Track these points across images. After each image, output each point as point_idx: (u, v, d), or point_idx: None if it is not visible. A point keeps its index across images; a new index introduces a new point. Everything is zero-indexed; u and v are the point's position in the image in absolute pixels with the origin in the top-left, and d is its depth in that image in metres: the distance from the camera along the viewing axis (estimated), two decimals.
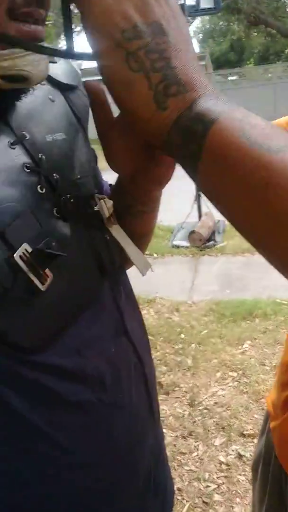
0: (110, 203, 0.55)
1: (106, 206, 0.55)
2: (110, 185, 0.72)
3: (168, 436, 1.84)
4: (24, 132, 0.47)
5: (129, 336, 0.55)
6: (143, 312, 2.90)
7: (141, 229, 0.62)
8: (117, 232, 0.57)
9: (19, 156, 0.46)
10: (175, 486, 1.59)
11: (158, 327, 2.70)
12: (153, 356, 2.09)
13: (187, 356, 2.41)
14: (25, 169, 0.46)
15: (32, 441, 0.45)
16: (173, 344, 2.52)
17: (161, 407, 2.01)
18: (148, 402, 0.58)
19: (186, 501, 1.55)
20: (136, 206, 0.59)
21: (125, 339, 0.55)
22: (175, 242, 4.30)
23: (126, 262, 0.62)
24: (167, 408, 2.02)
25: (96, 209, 0.53)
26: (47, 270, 0.43)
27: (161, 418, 1.92)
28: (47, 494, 0.48)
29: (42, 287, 0.43)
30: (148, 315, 2.89)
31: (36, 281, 0.42)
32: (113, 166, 0.54)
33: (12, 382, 0.43)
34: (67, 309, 0.47)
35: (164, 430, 1.84)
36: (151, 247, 4.10)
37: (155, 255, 3.99)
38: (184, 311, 2.94)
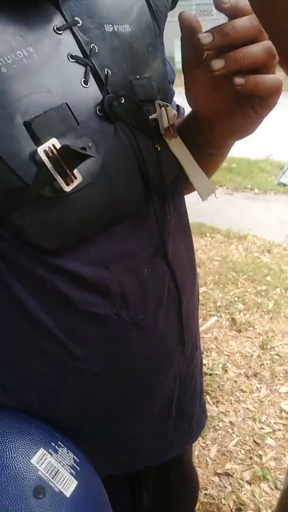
0: (172, 112, 0.50)
1: (167, 115, 0.49)
2: (178, 107, 0.65)
3: (231, 372, 1.85)
4: (77, 18, 0.43)
5: (168, 261, 0.52)
6: (231, 247, 2.82)
7: (206, 170, 0.56)
8: (177, 146, 0.51)
9: (65, 44, 0.42)
10: (228, 419, 1.62)
11: (244, 265, 2.61)
12: (231, 293, 2.05)
13: (269, 299, 2.32)
14: (70, 59, 0.42)
15: (42, 343, 0.46)
16: (256, 285, 2.44)
17: (229, 342, 2.01)
18: (179, 331, 0.56)
19: (236, 435, 1.57)
20: (207, 148, 0.56)
21: (163, 263, 0.52)
22: (283, 180, 4.00)
23: (186, 187, 0.58)
24: (235, 345, 2.01)
25: (154, 116, 0.48)
26: (75, 172, 0.41)
27: (227, 353, 1.92)
28: (54, 395, 0.50)
29: (66, 188, 0.41)
30: (236, 251, 2.80)
31: (60, 180, 0.40)
32: (192, 102, 0.51)
33: (28, 282, 0.43)
34: (98, 217, 0.44)
35: (228, 365, 1.85)
36: (254, 182, 3.87)
37: (256, 190, 3.77)
38: (277, 253, 2.79)
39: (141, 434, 0.58)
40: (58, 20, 0.42)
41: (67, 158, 0.40)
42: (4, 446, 0.45)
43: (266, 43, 0.43)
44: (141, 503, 0.68)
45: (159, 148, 0.48)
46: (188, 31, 0.44)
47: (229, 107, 0.49)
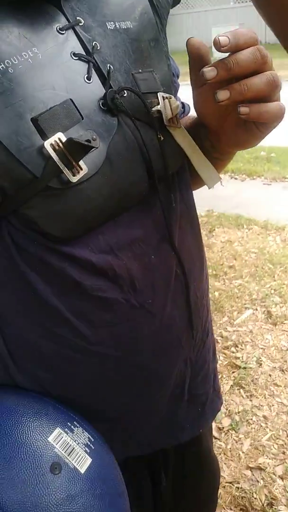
0: (175, 103, 0.52)
1: (170, 106, 0.51)
2: (183, 104, 0.67)
3: (265, 365, 1.84)
4: (79, 17, 0.46)
5: (175, 247, 0.54)
6: (268, 239, 2.78)
7: None
8: (182, 136, 0.53)
9: (68, 43, 0.45)
10: (262, 413, 1.61)
11: (281, 257, 2.57)
12: (268, 286, 2.02)
13: None
14: (73, 57, 0.44)
15: (55, 326, 0.49)
16: None
17: (265, 336, 2.00)
18: (187, 316, 0.58)
19: (270, 430, 1.57)
20: (213, 152, 0.58)
21: (169, 249, 0.54)
22: None
23: (197, 181, 0.60)
24: (270, 338, 1.99)
25: (158, 108, 0.50)
26: (81, 163, 0.44)
27: (262, 347, 1.91)
28: (68, 377, 0.53)
29: (73, 179, 0.43)
30: (273, 243, 2.75)
31: (66, 172, 0.43)
32: (200, 115, 0.55)
33: (40, 269, 0.46)
34: (105, 206, 0.47)
35: (262, 358, 1.84)
36: None
37: None
38: None
39: (153, 415, 0.60)
40: (60, 21, 0.45)
41: (72, 151, 0.42)
42: (23, 425, 0.49)
43: (269, 75, 0.45)
44: (161, 487, 0.71)
45: (162, 138, 0.50)
46: (196, 56, 0.47)
47: (234, 123, 0.52)
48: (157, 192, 0.51)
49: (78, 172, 0.44)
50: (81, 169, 0.44)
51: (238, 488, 1.39)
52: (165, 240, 0.53)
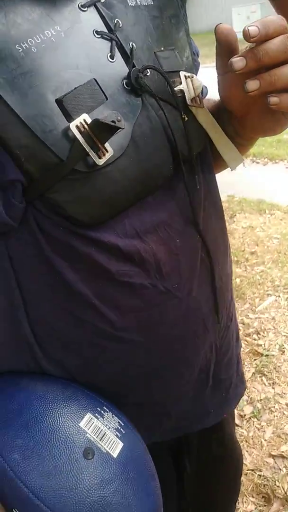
0: (198, 82, 0.51)
1: (192, 85, 0.51)
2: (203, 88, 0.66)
3: None
4: None
5: (200, 230, 0.54)
6: None
7: None
8: (204, 116, 0.53)
9: (90, 20, 0.44)
10: (284, 401, 1.61)
11: None
12: None
13: None
14: (95, 35, 0.44)
15: (82, 312, 0.50)
16: None
17: (287, 323, 1.98)
18: (213, 300, 0.58)
19: None
20: (236, 138, 0.58)
21: (194, 233, 0.54)
22: None
23: (219, 163, 0.59)
24: None
25: (180, 88, 0.50)
26: (107, 145, 0.43)
27: (285, 334, 1.90)
28: (95, 363, 0.53)
29: (99, 161, 0.43)
30: None
31: (92, 154, 0.43)
32: (225, 101, 0.54)
33: (66, 255, 0.47)
34: (130, 189, 0.47)
35: (285, 346, 1.83)
36: None
37: None
38: None
39: (179, 400, 0.61)
40: None
41: (98, 132, 0.42)
42: (55, 412, 0.50)
43: None
44: (185, 472, 0.72)
45: (186, 119, 0.50)
46: (224, 43, 0.46)
47: (260, 110, 0.51)
48: (181, 174, 0.51)
49: (104, 155, 0.43)
50: (107, 151, 0.44)
51: (260, 476, 1.40)
52: (189, 223, 0.53)
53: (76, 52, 0.43)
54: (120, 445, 0.50)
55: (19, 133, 0.40)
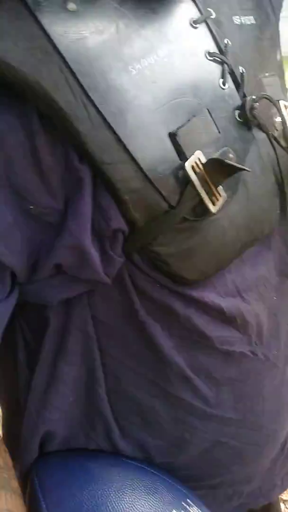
0: None
1: None
2: None
3: None
4: (209, 9, 0.39)
5: None
6: None
7: None
8: None
9: (202, 39, 0.38)
10: None
11: None
12: None
13: None
14: (207, 57, 0.38)
15: (173, 385, 0.43)
16: None
17: None
18: None
19: None
20: None
21: None
22: None
23: None
24: None
25: (279, 120, 0.44)
26: (220, 188, 0.37)
27: None
28: (179, 443, 0.46)
29: (213, 209, 0.37)
30: None
31: (207, 200, 0.36)
32: None
33: (161, 317, 0.40)
34: (237, 239, 0.40)
35: None
36: None
37: None
38: None
39: (255, 477, 0.55)
40: (192, 12, 0.39)
41: (215, 174, 0.36)
42: (135, 506, 0.41)
43: None
44: None
45: None
46: None
47: None
48: (284, 219, 0.44)
49: (218, 200, 0.37)
50: (220, 195, 0.37)
51: None
52: (283, 276, 0.47)
53: (189, 77, 0.37)
54: None
55: (130, 174, 0.33)
